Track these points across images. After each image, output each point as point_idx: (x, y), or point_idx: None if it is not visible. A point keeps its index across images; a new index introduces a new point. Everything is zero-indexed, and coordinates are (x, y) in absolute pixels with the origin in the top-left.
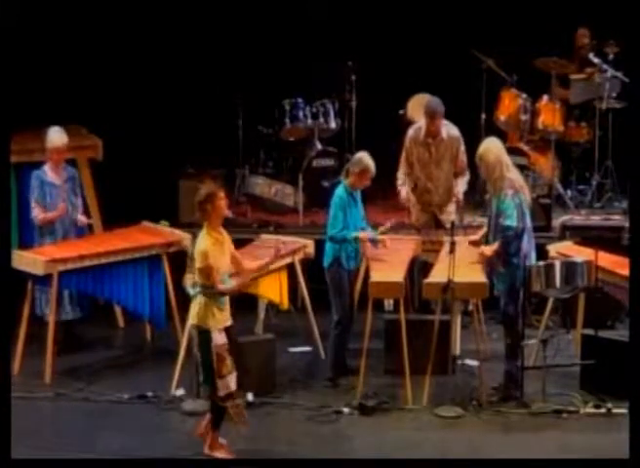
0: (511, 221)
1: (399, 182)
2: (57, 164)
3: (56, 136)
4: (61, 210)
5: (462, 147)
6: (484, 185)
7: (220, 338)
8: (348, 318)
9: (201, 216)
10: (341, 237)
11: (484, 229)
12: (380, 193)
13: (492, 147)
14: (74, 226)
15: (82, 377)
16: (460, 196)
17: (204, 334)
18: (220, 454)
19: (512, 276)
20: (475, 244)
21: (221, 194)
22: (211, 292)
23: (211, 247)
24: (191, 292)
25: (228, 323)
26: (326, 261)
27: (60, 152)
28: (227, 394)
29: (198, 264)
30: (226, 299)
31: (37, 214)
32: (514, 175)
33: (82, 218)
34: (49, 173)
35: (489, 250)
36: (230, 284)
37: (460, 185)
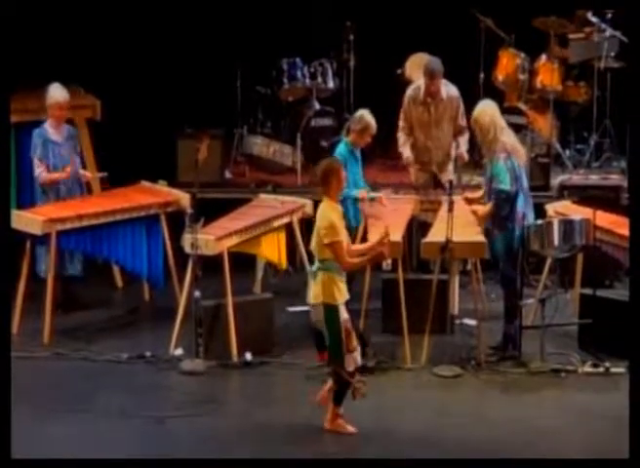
0: (504, 185)
1: (400, 142)
2: (58, 121)
3: (57, 92)
4: (67, 173)
5: (462, 107)
6: (479, 148)
7: (345, 313)
8: (350, 275)
9: (323, 190)
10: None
11: (483, 189)
12: (378, 152)
13: (487, 109)
14: (78, 184)
15: (81, 337)
16: (465, 155)
17: (332, 311)
18: (343, 430)
19: (508, 238)
20: (470, 202)
21: (342, 167)
22: (334, 266)
23: (338, 221)
24: (309, 270)
25: (348, 297)
26: None
27: (61, 108)
28: (355, 369)
29: (327, 240)
30: (345, 274)
31: (41, 172)
32: (507, 137)
33: (86, 173)
34: (50, 130)
35: (481, 209)
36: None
37: (462, 145)
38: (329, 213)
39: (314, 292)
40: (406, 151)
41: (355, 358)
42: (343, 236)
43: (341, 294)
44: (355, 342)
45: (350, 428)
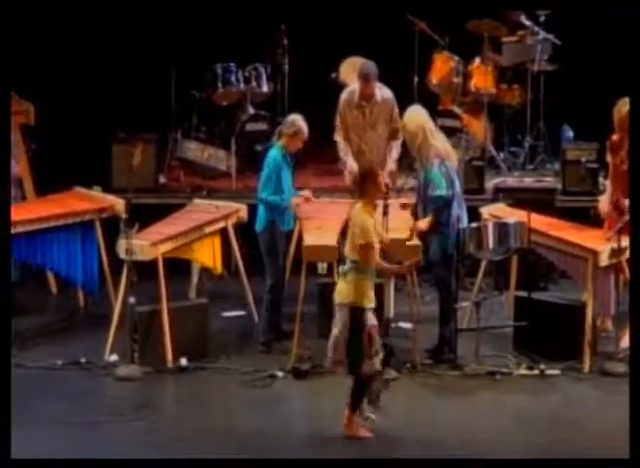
0: (440, 191)
1: (341, 150)
2: None
3: None
4: None
5: (396, 109)
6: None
7: (372, 318)
8: (282, 282)
9: (360, 193)
10: (273, 202)
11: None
12: (312, 156)
13: (414, 115)
14: (15, 189)
15: (15, 344)
16: (394, 165)
17: (358, 314)
18: (360, 434)
19: (444, 242)
20: (406, 207)
21: (379, 170)
22: (367, 270)
23: (371, 225)
24: (340, 269)
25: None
26: (259, 225)
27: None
28: (373, 373)
29: (360, 241)
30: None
31: None
32: (439, 141)
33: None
34: None
35: (424, 223)
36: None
37: (394, 152)
38: (362, 215)
39: (343, 292)
40: (350, 161)
41: (373, 364)
42: (375, 239)
43: (370, 300)
44: (377, 349)
45: (366, 433)
